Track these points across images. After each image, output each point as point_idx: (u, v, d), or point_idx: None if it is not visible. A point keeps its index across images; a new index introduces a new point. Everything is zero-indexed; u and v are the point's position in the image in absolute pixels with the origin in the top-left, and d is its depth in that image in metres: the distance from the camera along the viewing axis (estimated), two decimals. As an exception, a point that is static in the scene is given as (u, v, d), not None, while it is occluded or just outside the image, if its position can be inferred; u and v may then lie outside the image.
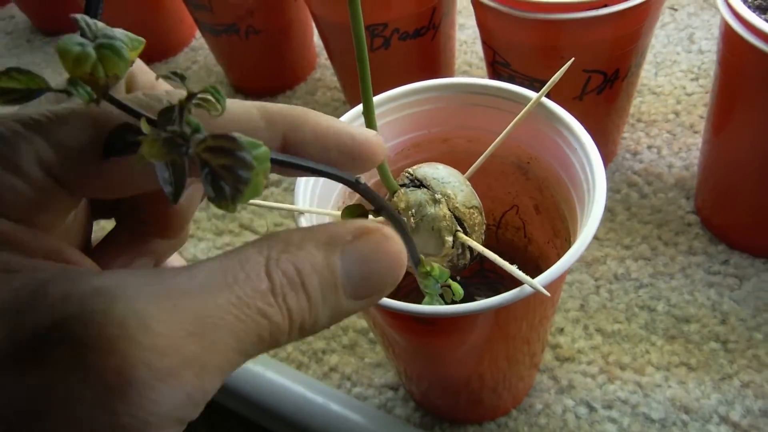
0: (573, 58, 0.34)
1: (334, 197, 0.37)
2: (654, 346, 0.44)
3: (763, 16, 0.39)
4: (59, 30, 0.87)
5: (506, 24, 0.44)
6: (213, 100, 0.15)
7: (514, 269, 0.28)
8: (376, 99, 0.38)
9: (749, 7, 0.39)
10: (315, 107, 0.68)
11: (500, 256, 0.32)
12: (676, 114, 0.58)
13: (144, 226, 0.21)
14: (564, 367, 0.45)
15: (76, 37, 0.14)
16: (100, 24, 0.15)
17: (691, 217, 0.51)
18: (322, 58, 0.74)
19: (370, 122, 0.26)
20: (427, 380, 0.42)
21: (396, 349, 0.38)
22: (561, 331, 0.46)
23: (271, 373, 0.44)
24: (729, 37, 0.39)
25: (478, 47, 0.70)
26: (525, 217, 0.42)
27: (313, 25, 0.70)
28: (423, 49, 0.54)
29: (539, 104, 0.35)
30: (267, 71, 0.69)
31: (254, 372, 0.44)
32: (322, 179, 0.36)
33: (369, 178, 0.40)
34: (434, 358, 0.38)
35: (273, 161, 0.15)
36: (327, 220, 0.35)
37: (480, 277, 0.47)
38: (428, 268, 0.27)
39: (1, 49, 0.88)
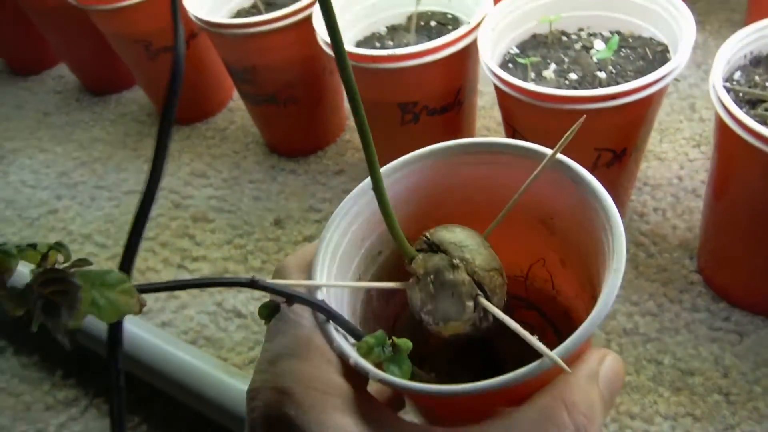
0: (584, 116, 0.36)
1: (352, 269, 0.36)
2: (661, 398, 0.49)
3: (752, 112, 0.45)
4: (107, 90, 0.94)
5: (528, 111, 0.49)
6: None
7: (533, 340, 0.29)
8: (393, 164, 0.36)
9: (738, 101, 0.44)
10: (344, 167, 0.74)
11: (530, 305, 0.33)
12: (680, 179, 0.64)
13: None
14: (580, 416, 0.49)
15: None
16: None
17: (694, 276, 0.56)
18: (351, 120, 0.80)
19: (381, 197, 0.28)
20: None
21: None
22: (577, 382, 0.51)
23: None
24: (722, 127, 0.44)
25: (496, 112, 0.76)
26: (552, 270, 0.45)
27: (344, 92, 0.77)
28: (448, 122, 0.60)
29: (560, 162, 0.35)
30: (301, 134, 0.75)
31: None
32: (340, 252, 0.34)
33: (388, 246, 0.41)
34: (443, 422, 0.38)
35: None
36: (347, 293, 0.34)
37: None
38: (364, 347, 0.29)
39: (51, 108, 0.95)
